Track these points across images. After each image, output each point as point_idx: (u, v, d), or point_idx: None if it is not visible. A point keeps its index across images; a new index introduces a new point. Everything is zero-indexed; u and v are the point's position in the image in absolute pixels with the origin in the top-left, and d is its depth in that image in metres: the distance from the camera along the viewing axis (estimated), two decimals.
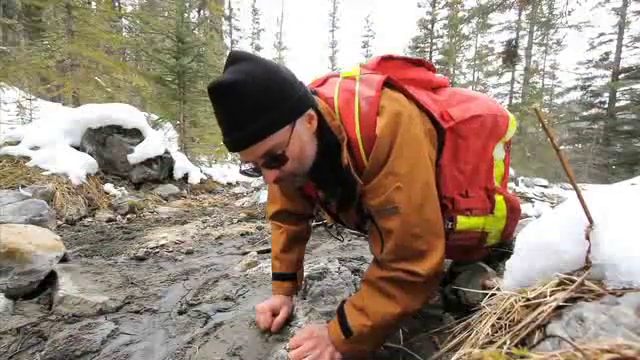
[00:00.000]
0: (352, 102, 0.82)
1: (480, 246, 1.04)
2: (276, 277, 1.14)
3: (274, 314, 1.03)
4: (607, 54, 15.65)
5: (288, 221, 1.16)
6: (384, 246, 0.82)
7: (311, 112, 0.79)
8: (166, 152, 5.00)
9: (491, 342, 0.59)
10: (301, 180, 0.87)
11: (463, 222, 0.95)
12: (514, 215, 1.04)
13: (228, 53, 0.78)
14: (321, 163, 0.87)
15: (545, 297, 0.56)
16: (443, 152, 0.92)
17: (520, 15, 17.00)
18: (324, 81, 0.97)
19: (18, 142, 3.87)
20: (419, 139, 0.83)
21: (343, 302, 0.91)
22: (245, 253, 2.04)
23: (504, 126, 1.04)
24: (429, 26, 18.24)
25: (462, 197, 0.96)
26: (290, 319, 1.05)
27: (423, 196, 0.80)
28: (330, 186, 0.95)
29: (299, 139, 0.78)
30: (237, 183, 6.81)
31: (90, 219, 3.26)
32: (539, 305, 0.56)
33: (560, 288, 0.56)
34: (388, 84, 0.87)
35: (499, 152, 1.06)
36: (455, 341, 0.74)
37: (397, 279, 0.80)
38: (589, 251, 0.55)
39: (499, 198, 1.02)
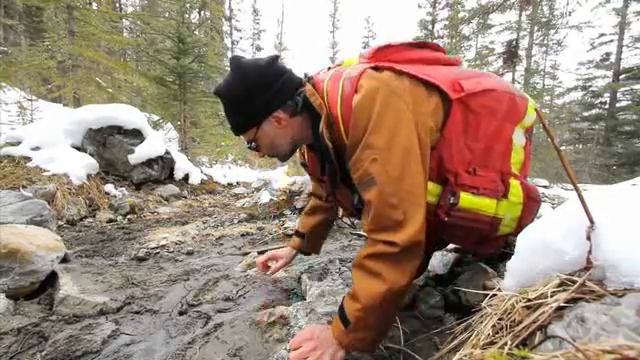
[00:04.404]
0: (338, 84, 0.91)
1: (493, 234, 0.96)
2: (293, 234, 1.46)
3: (275, 260, 1.43)
4: (608, 54, 15.63)
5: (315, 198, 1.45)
6: (367, 219, 0.85)
7: (278, 114, 0.98)
8: (167, 152, 5.00)
9: (492, 343, 0.59)
10: (285, 157, 1.12)
11: (467, 199, 0.90)
12: (531, 205, 0.98)
13: (230, 56, 1.06)
14: (315, 141, 1.01)
15: (546, 298, 0.56)
16: (447, 123, 0.91)
17: (521, 16, 16.97)
18: (327, 69, 1.08)
19: (19, 142, 3.89)
20: (399, 110, 0.83)
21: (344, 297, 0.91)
22: (246, 254, 2.04)
23: (522, 107, 0.99)
24: (429, 27, 18.27)
25: (468, 174, 0.92)
26: (290, 319, 1.05)
27: (402, 166, 0.80)
28: (321, 161, 1.09)
29: (267, 135, 1.01)
30: (238, 184, 6.81)
31: (91, 219, 3.27)
32: (540, 306, 0.56)
33: (561, 289, 0.56)
34: (376, 68, 0.91)
35: (519, 137, 1.00)
36: (456, 342, 0.74)
37: (379, 253, 0.82)
38: (590, 252, 0.55)
39: (514, 182, 0.96)
